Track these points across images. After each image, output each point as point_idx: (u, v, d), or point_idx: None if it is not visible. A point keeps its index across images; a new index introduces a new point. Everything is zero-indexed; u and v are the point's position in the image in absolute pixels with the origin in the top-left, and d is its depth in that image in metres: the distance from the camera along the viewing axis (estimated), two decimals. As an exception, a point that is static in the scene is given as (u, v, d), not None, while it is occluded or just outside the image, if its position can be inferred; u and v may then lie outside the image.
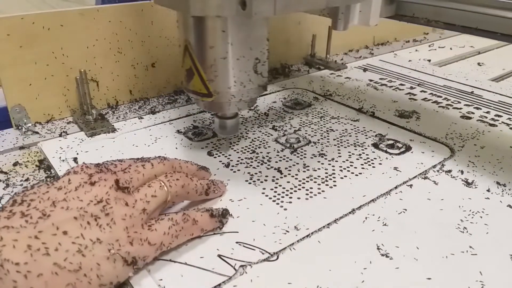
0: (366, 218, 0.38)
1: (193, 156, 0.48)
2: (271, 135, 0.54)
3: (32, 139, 0.52)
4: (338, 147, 0.51)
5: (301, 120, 0.58)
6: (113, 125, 0.55)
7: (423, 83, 0.72)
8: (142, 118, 0.58)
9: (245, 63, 0.41)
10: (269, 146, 0.51)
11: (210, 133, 0.54)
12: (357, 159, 0.48)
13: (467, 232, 0.37)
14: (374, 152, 0.49)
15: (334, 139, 0.52)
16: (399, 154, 0.49)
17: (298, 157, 0.48)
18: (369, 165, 0.47)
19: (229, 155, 0.49)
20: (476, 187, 0.43)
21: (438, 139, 0.53)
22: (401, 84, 0.72)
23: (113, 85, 0.61)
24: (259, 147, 0.50)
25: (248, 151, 0.49)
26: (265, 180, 0.44)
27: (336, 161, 0.47)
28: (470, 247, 0.35)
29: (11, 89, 0.53)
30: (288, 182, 0.44)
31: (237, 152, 0.49)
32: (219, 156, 0.48)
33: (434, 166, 0.47)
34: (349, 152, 0.49)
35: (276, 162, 0.47)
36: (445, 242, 0.35)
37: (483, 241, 0.36)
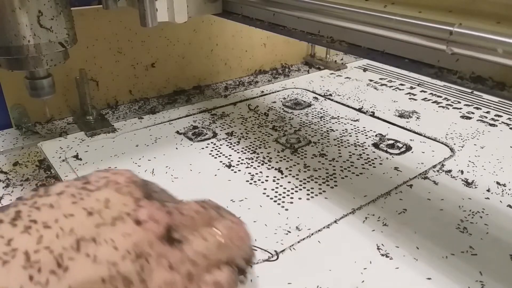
0: (366, 218, 0.38)
1: (193, 156, 0.48)
2: (271, 135, 0.54)
3: (32, 139, 0.52)
4: (339, 147, 0.51)
5: (301, 120, 0.58)
6: (113, 125, 0.55)
7: (423, 83, 0.72)
8: (142, 118, 0.58)
9: (23, 15, 0.40)
10: (269, 146, 0.51)
11: (210, 133, 0.54)
12: (358, 159, 0.48)
13: (467, 232, 0.37)
14: (374, 152, 0.50)
15: (334, 139, 0.52)
16: (399, 154, 0.49)
17: (298, 157, 0.48)
18: (370, 165, 0.47)
19: (230, 155, 0.49)
20: (476, 187, 0.43)
21: (438, 139, 0.53)
22: (401, 84, 0.72)
23: (113, 85, 0.61)
24: (260, 147, 0.50)
25: (248, 152, 0.49)
26: (266, 181, 0.44)
27: (337, 161, 0.47)
28: (470, 247, 0.35)
29: (11, 89, 0.53)
30: (289, 182, 0.44)
31: (238, 153, 0.49)
32: (219, 156, 0.48)
33: (434, 166, 0.47)
34: (350, 152, 0.49)
35: (277, 162, 0.47)
36: (445, 242, 0.35)
37: (483, 241, 0.36)
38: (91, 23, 0.56)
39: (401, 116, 0.59)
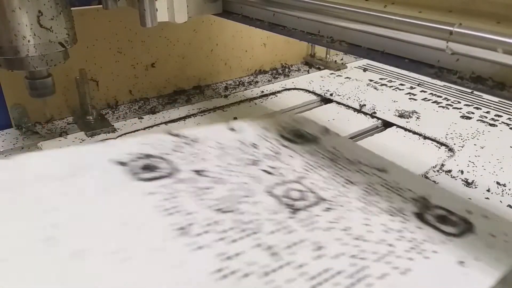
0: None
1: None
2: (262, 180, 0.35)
3: (32, 139, 0.52)
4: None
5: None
6: (113, 125, 0.55)
7: (423, 83, 0.72)
8: (142, 118, 0.58)
9: (23, 15, 0.40)
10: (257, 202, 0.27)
11: (210, 133, 0.54)
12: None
13: (467, 232, 0.37)
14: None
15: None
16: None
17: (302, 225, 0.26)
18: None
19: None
20: (476, 187, 0.43)
21: (438, 139, 0.53)
22: (401, 84, 0.72)
23: (113, 85, 0.61)
24: (240, 203, 0.32)
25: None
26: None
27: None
28: (470, 247, 0.35)
29: (11, 89, 0.53)
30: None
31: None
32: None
33: (434, 166, 0.47)
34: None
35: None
36: (445, 242, 0.35)
37: (483, 241, 0.36)
38: (91, 23, 0.56)
39: (401, 116, 0.59)
